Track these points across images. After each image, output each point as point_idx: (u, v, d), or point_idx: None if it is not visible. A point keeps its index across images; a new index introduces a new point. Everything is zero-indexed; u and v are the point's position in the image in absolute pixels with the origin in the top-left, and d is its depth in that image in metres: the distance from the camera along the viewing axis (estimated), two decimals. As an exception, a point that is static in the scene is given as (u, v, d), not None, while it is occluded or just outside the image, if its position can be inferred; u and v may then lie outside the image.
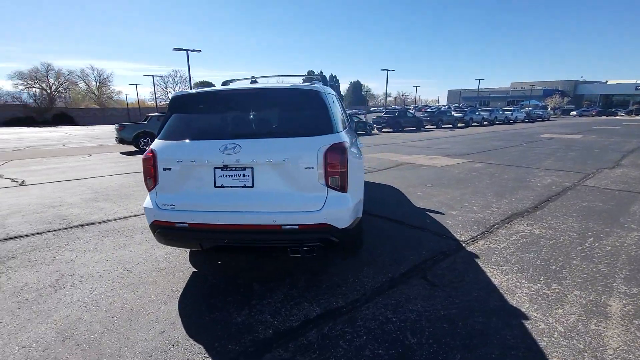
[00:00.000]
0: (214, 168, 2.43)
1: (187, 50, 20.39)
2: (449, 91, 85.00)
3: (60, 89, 57.19)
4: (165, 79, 67.30)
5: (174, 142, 2.54)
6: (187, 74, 22.10)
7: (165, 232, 2.54)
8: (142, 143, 13.37)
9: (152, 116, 14.17)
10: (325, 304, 2.46)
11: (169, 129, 2.61)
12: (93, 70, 64.49)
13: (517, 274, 2.84)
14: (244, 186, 2.42)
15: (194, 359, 1.94)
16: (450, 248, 3.39)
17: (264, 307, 2.42)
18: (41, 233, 3.96)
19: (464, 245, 3.45)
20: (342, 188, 2.45)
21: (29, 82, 53.31)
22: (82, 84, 62.99)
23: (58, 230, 4.06)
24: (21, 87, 53.57)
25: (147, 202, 2.59)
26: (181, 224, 2.46)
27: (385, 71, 34.50)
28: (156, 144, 2.57)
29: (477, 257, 3.18)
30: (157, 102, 54.98)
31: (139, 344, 2.05)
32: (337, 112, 3.05)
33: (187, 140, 2.52)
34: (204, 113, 2.67)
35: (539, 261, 3.06)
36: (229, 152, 2.37)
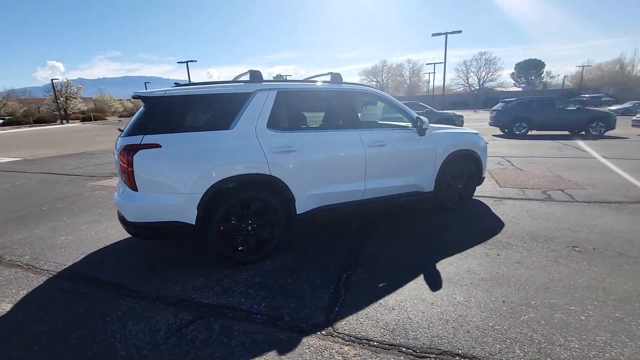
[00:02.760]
0: None
1: (445, 33, 19.22)
2: None
3: (389, 81, 72.81)
4: (469, 63, 65.60)
5: None
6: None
7: None
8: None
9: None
10: (125, 280, 2.83)
11: None
12: (409, 63, 74.92)
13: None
14: None
15: (56, 269, 3.20)
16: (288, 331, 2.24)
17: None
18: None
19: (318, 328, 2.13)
20: (130, 186, 2.60)
21: (370, 77, 72.48)
22: (400, 77, 75.48)
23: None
24: (365, 82, 73.78)
25: None
26: None
27: None
28: None
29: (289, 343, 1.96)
30: (455, 88, 56.15)
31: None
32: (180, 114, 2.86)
33: None
34: None
35: None
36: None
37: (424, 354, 1.91)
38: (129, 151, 2.60)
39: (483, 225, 3.90)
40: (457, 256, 3.12)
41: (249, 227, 3.00)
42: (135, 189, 2.66)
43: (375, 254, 3.24)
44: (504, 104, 14.47)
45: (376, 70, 73.46)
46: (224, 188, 2.80)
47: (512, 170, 6.96)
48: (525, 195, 5.12)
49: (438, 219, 4.16)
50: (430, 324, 2.16)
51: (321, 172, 3.29)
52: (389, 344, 2.00)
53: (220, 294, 2.61)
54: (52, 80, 47.61)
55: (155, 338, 2.13)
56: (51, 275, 3.00)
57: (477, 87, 65.51)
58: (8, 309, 2.49)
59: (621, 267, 2.82)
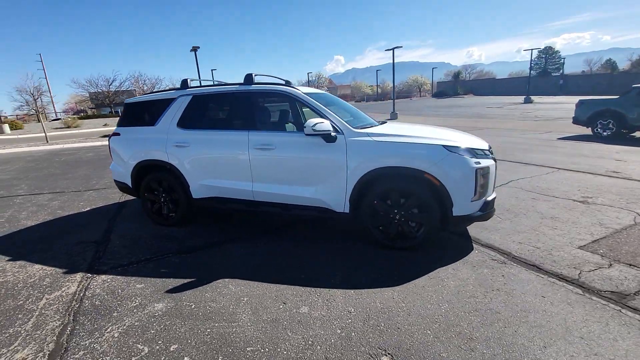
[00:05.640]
0: None
1: None
2: None
3: None
4: None
5: None
6: None
7: None
8: (600, 127, 10.02)
9: (635, 88, 9.62)
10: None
11: None
12: None
13: None
14: None
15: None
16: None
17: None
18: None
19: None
20: (111, 157, 4.35)
21: None
22: None
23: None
24: None
25: None
26: None
27: None
28: None
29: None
30: None
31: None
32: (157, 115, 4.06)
33: None
34: None
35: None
36: None
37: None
38: (110, 136, 4.39)
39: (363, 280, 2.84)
40: (225, 282, 2.77)
41: (162, 199, 4.09)
42: (112, 159, 4.45)
43: (230, 252, 3.42)
44: None
45: None
46: (143, 167, 4.04)
47: None
48: (605, 272, 2.76)
49: (359, 250, 3.35)
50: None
51: (208, 167, 3.76)
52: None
53: (123, 235, 3.95)
54: (307, 73, 58.47)
55: (71, 249, 3.81)
56: (119, 202, 5.45)
57: None
58: (85, 210, 5.04)
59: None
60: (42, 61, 30.41)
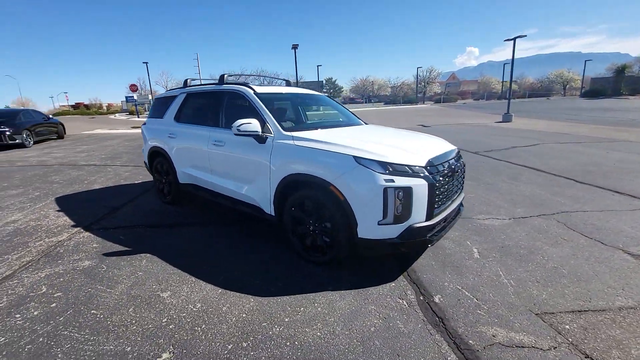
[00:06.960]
0: None
1: None
2: None
3: None
4: None
5: None
6: None
7: None
8: None
9: None
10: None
11: None
12: None
13: None
14: None
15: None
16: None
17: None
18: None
19: (83, 230, 3.99)
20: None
21: None
22: None
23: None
24: None
25: None
26: None
27: None
28: None
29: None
30: None
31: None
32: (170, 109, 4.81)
33: None
34: None
35: None
36: None
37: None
38: (143, 124, 5.41)
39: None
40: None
41: (164, 180, 4.87)
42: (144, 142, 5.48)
43: (181, 233, 3.88)
44: None
45: None
46: (153, 152, 4.88)
47: None
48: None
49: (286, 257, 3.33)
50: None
51: (185, 157, 4.28)
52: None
53: (136, 205, 4.91)
54: (417, 68, 55.80)
55: (95, 210, 4.98)
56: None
57: None
58: (138, 182, 6.37)
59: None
60: (197, 59, 38.11)
